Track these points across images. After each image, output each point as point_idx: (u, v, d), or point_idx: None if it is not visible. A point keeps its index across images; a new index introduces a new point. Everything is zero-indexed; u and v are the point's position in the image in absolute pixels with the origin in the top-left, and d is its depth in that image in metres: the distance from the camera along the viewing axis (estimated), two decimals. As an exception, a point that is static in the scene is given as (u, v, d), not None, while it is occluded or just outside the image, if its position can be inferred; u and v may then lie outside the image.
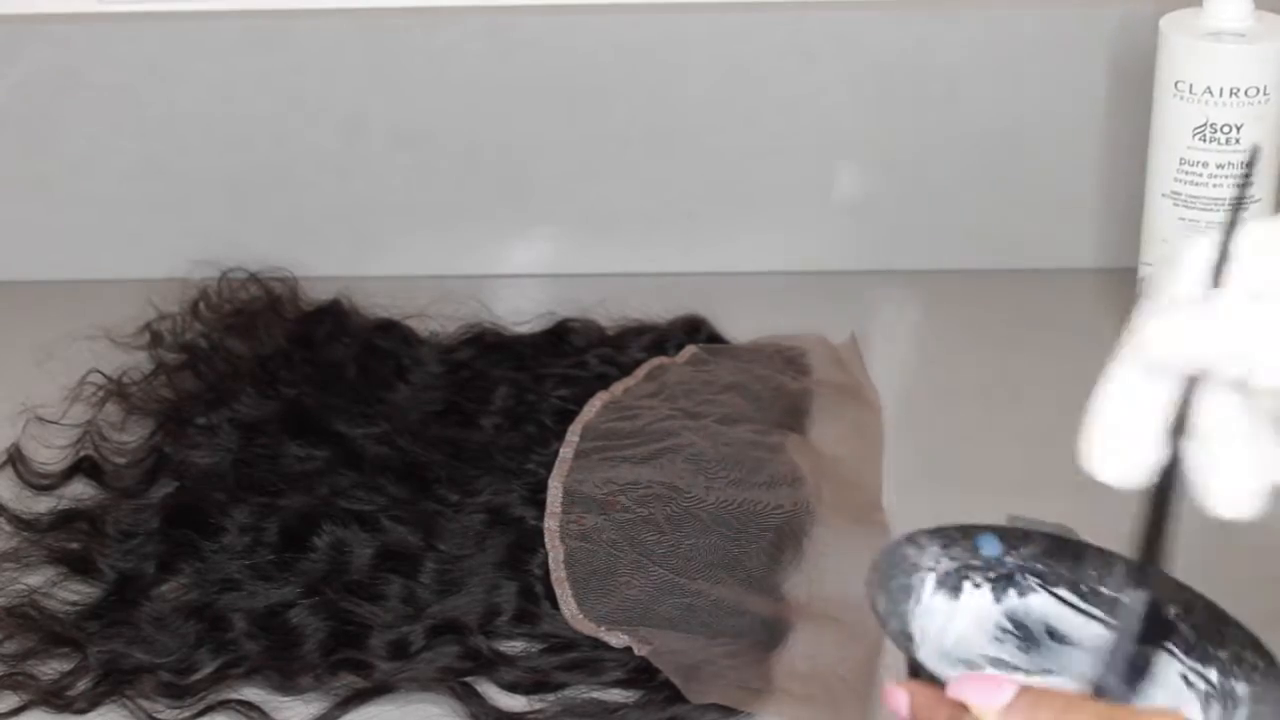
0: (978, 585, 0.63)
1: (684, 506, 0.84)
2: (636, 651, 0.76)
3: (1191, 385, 0.56)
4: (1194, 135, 0.93)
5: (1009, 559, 0.63)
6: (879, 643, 0.77)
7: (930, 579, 0.62)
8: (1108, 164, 1.09)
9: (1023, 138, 1.09)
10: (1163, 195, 0.95)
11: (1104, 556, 0.61)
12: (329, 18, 1.09)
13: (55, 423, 0.97)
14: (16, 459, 0.93)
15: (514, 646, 0.79)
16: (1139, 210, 0.98)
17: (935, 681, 0.54)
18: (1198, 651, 0.59)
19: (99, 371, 1.00)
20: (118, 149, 1.11)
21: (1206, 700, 0.58)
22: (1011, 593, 0.63)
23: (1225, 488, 0.56)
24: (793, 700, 0.74)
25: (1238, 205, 0.57)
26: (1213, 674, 0.58)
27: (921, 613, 0.61)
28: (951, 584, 0.62)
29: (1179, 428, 0.56)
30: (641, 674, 0.76)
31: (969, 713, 0.52)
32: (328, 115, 1.10)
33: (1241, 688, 0.57)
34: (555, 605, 0.80)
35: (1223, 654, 0.58)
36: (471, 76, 1.09)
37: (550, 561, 0.81)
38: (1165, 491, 0.56)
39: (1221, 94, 0.91)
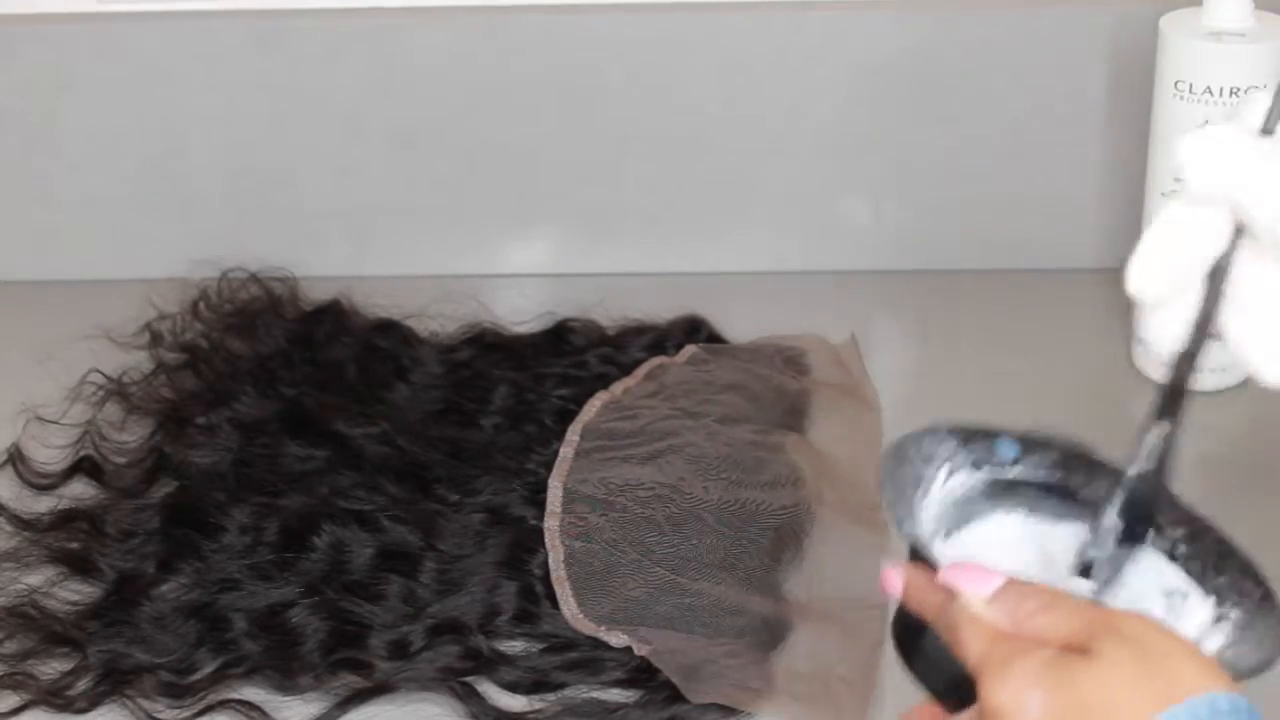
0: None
1: (684, 506, 0.84)
2: (636, 651, 0.76)
3: (1232, 243, 0.56)
4: (1194, 135, 0.93)
5: (1020, 466, 0.63)
6: (879, 642, 0.77)
7: (943, 473, 0.62)
8: (1108, 164, 1.09)
9: (1023, 138, 1.09)
10: (1163, 195, 0.95)
11: (1117, 474, 0.61)
12: (329, 18, 1.09)
13: (55, 423, 0.97)
14: (16, 459, 0.93)
15: (514, 646, 0.79)
16: (1139, 210, 0.98)
17: (932, 568, 0.55)
18: (1192, 567, 0.60)
19: (99, 371, 1.00)
20: (118, 149, 1.11)
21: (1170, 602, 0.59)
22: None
23: (1265, 353, 0.56)
24: (793, 700, 0.74)
25: None
26: (1195, 589, 0.59)
27: (929, 504, 0.62)
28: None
29: (1215, 281, 0.57)
30: (641, 674, 0.76)
31: (958, 599, 0.53)
32: (328, 115, 1.10)
33: (1236, 614, 0.58)
34: (555, 605, 0.80)
35: (1221, 580, 0.59)
36: (471, 76, 1.09)
37: (550, 561, 0.81)
38: (1191, 353, 0.57)
39: (1221, 94, 0.91)
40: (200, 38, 1.09)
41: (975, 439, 0.63)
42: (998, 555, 0.61)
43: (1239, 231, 0.56)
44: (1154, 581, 0.60)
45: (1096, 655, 0.49)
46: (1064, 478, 0.64)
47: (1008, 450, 0.64)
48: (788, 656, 0.77)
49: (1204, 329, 0.57)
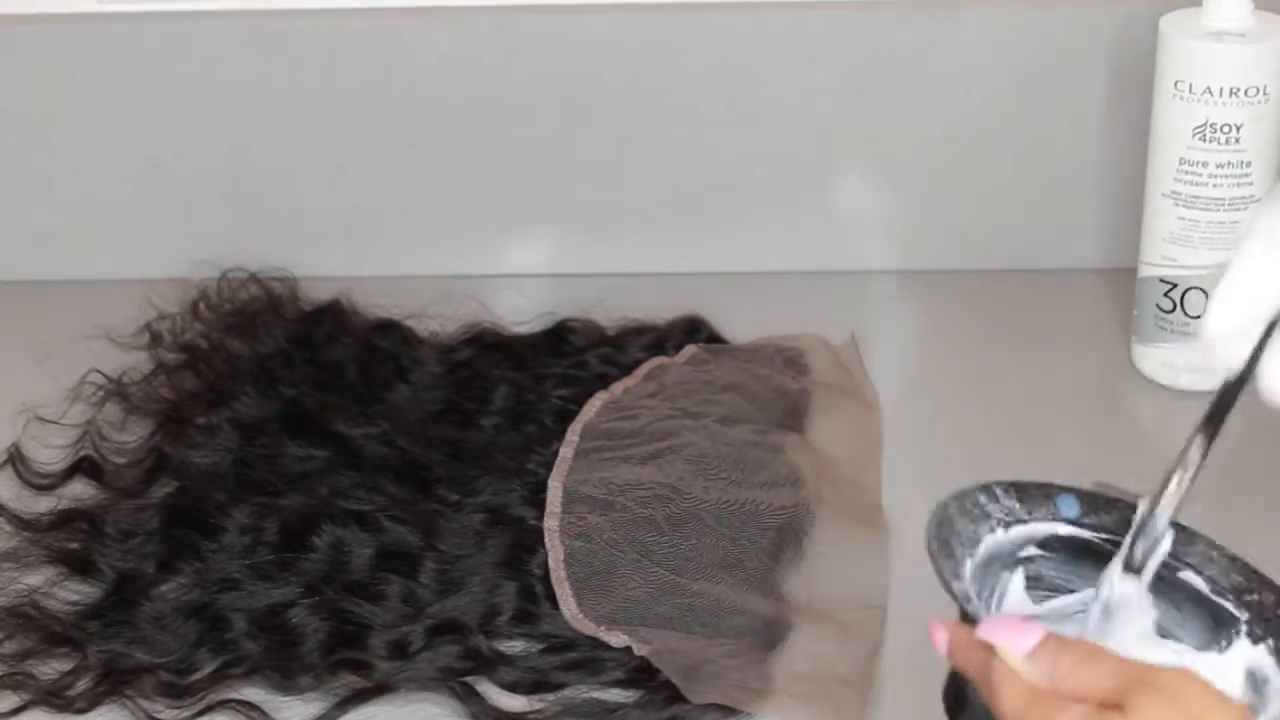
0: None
1: (684, 506, 0.84)
2: (636, 651, 0.76)
3: None
4: (1194, 135, 0.93)
5: (1084, 523, 0.63)
6: (879, 642, 0.77)
7: (999, 530, 0.61)
8: (1108, 164, 1.09)
9: (1023, 138, 1.09)
10: (1163, 195, 0.95)
11: (1187, 534, 0.61)
12: (329, 18, 1.09)
13: (55, 423, 0.97)
14: (16, 459, 0.93)
15: (514, 646, 0.79)
16: (1139, 210, 0.98)
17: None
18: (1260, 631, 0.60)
19: (99, 371, 1.00)
20: (118, 149, 1.11)
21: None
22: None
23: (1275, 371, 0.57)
24: (793, 700, 0.74)
25: None
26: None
27: (980, 562, 0.61)
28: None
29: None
30: (641, 674, 0.76)
31: (996, 655, 0.52)
32: (327, 115, 1.10)
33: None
34: (555, 605, 0.80)
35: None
36: (471, 76, 1.09)
37: (550, 561, 0.81)
38: (1239, 381, 0.58)
39: (1221, 94, 0.91)
40: (200, 38, 1.09)
41: (1032, 497, 0.62)
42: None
43: None
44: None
45: (1132, 711, 0.48)
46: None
47: (1070, 507, 0.63)
48: (788, 656, 0.77)
49: (1251, 368, 0.58)
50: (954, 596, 0.56)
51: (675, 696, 0.74)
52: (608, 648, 0.77)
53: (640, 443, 0.89)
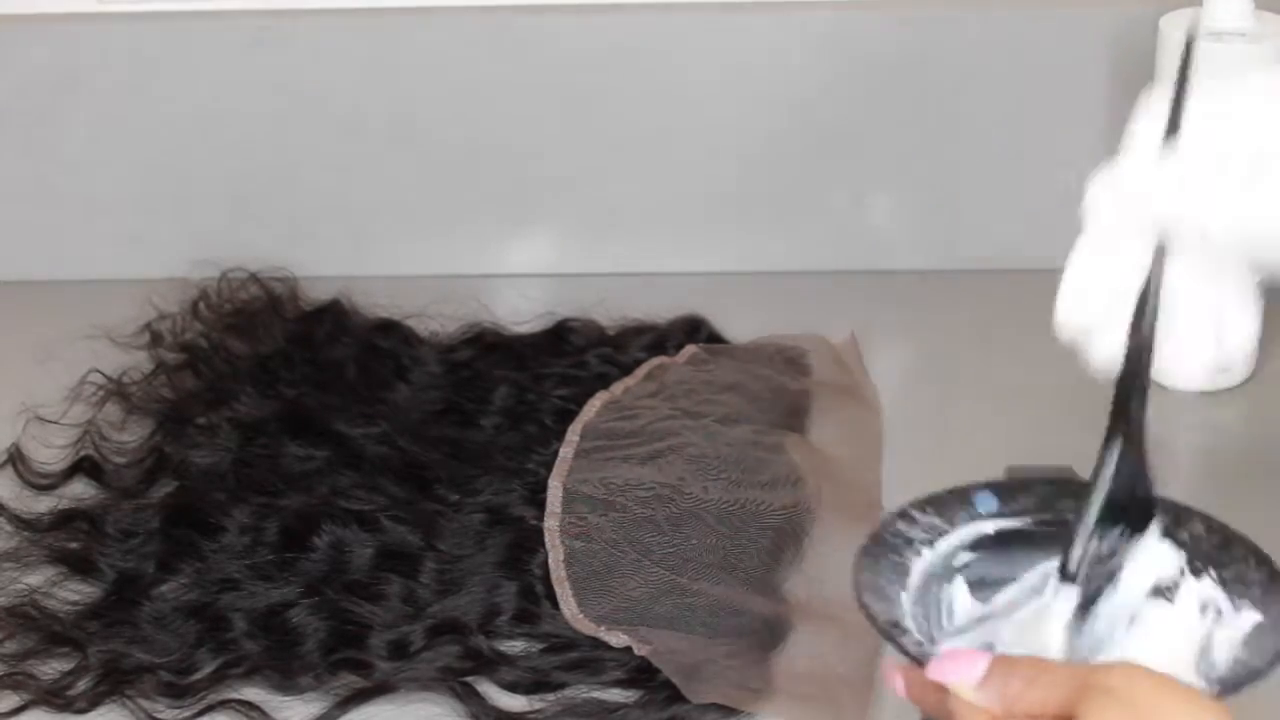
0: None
1: (684, 506, 0.84)
2: (636, 651, 0.76)
3: (1156, 259, 0.58)
4: (1194, 135, 0.92)
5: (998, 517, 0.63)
6: (879, 642, 0.77)
7: (925, 551, 0.62)
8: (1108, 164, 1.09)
9: (1023, 138, 1.09)
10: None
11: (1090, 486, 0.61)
12: (329, 18, 1.09)
13: (55, 423, 0.97)
14: (16, 459, 0.93)
15: (514, 646, 0.79)
16: (1139, 210, 0.98)
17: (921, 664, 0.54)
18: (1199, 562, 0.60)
19: (99, 371, 1.00)
20: (118, 149, 1.11)
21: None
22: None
23: (1178, 356, 0.58)
24: (793, 700, 0.74)
25: (1183, 77, 0.60)
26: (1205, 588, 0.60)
27: (913, 589, 0.61)
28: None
29: (1143, 304, 0.59)
30: (641, 674, 0.76)
31: (950, 691, 0.53)
32: (328, 115, 1.10)
33: (1243, 605, 0.58)
34: (555, 605, 0.80)
35: (1226, 572, 0.60)
36: (471, 76, 1.09)
37: (550, 561, 0.81)
38: (1133, 370, 0.59)
39: (1221, 94, 0.91)
40: (200, 38, 1.09)
41: (949, 506, 0.63)
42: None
43: (1160, 253, 0.58)
44: (1147, 576, 0.60)
45: (1084, 718, 0.49)
46: (1053, 515, 0.63)
47: (986, 503, 0.63)
48: (787, 656, 0.77)
49: (1140, 348, 0.59)
50: (896, 645, 0.57)
51: (675, 696, 0.74)
52: (608, 648, 0.77)
53: (640, 443, 0.89)
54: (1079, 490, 0.61)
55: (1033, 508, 0.63)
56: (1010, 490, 0.63)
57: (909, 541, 0.62)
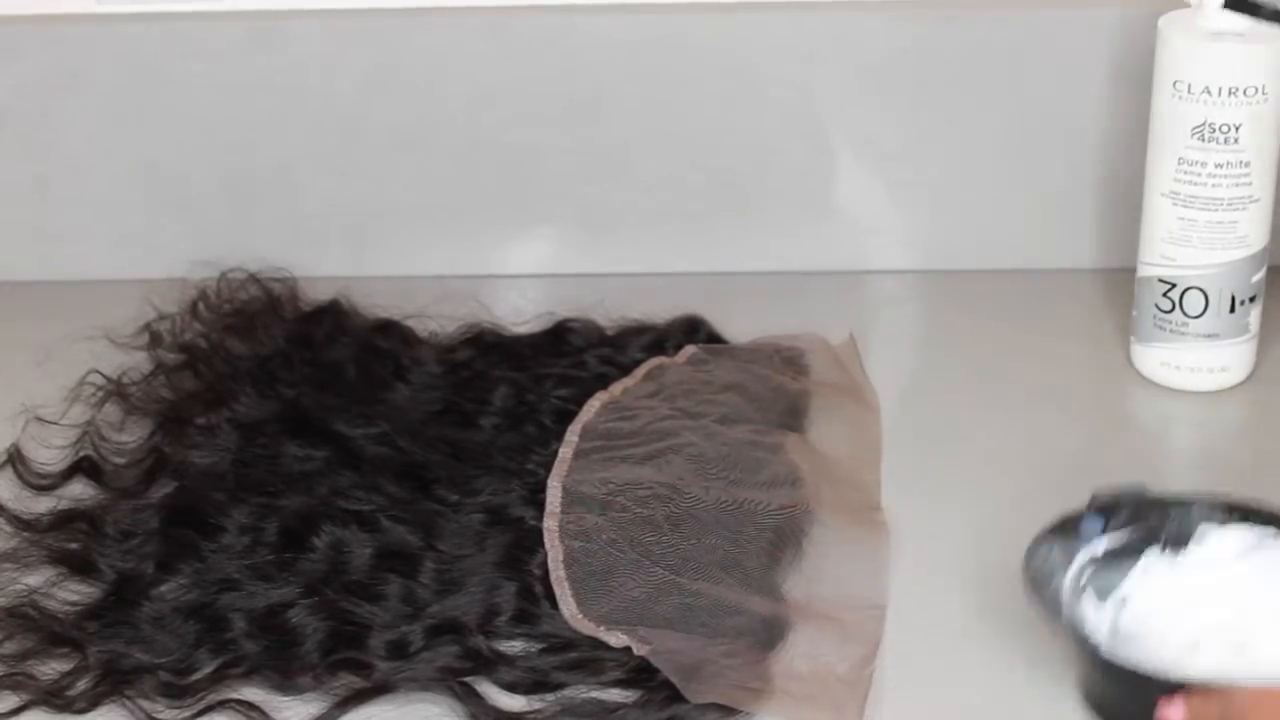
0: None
1: (683, 506, 0.84)
2: (636, 651, 0.76)
3: None
4: (1193, 135, 0.93)
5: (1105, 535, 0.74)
6: (878, 643, 0.77)
7: (1069, 575, 0.73)
8: (1106, 164, 1.09)
9: (1023, 138, 1.09)
10: (1162, 195, 0.95)
11: (1183, 503, 0.73)
12: (329, 18, 1.09)
13: (55, 423, 0.97)
14: (16, 459, 0.93)
15: (513, 646, 0.79)
16: (1138, 210, 0.98)
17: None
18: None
19: (99, 372, 1.00)
20: (118, 149, 1.11)
21: None
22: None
23: None
24: (793, 700, 0.74)
25: None
26: None
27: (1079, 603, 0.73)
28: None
29: None
30: (641, 674, 0.76)
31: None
32: (328, 115, 1.10)
33: None
34: (555, 605, 0.80)
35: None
36: (471, 76, 1.09)
37: (550, 561, 0.81)
38: None
39: (1220, 94, 0.91)
40: (200, 38, 1.09)
41: (1065, 534, 0.73)
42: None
43: None
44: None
45: None
46: (1146, 528, 0.74)
47: (1093, 525, 0.73)
48: (787, 656, 0.77)
49: None
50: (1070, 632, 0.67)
51: (675, 696, 0.74)
52: (607, 648, 0.77)
53: (639, 443, 0.89)
54: (1159, 503, 0.74)
55: (1126, 521, 0.74)
56: (1108, 511, 0.74)
57: (1054, 570, 0.73)
